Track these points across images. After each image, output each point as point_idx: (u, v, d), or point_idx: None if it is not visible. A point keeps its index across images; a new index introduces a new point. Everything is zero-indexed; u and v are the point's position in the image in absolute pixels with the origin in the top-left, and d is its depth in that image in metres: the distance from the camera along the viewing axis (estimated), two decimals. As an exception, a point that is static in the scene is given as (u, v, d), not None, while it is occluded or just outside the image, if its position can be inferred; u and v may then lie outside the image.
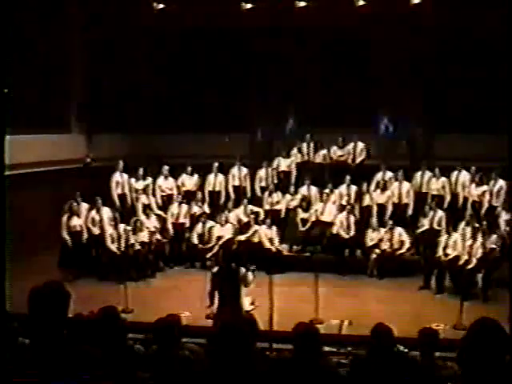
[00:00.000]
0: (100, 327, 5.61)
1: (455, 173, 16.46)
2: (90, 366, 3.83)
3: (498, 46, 17.61)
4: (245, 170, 17.52)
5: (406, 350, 7.18)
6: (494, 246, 13.86)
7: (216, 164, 17.36)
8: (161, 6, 18.30)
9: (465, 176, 16.37)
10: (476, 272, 13.52)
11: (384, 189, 16.41)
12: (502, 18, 16.64)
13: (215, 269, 11.28)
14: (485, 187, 15.96)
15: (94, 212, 15.50)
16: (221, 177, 17.40)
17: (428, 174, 16.63)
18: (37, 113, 16.69)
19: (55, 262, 14.83)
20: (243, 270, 10.95)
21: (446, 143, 17.79)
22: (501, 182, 15.82)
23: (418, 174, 16.73)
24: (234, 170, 17.51)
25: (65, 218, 15.11)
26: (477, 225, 14.23)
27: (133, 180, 16.86)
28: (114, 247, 15.06)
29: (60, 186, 16.58)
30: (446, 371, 5.74)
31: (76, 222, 15.19)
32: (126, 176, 16.80)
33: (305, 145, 17.97)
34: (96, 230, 15.37)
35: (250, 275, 10.97)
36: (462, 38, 18.17)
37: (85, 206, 15.61)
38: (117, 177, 16.71)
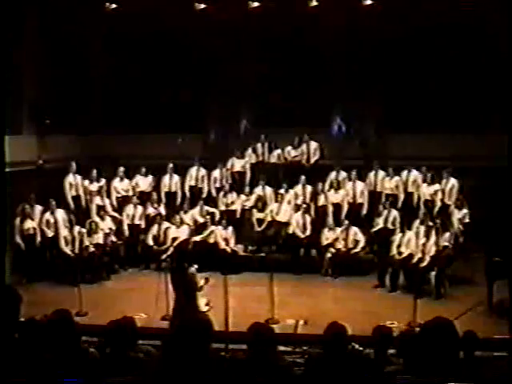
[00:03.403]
0: (53, 330, 5.55)
1: (406, 172, 16.59)
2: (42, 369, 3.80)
3: (450, 45, 17.87)
4: (203, 171, 17.45)
5: (360, 349, 7.23)
6: (446, 244, 14.05)
7: (171, 165, 17.30)
8: (113, 6, 18.15)
9: (417, 175, 16.54)
10: (429, 270, 13.68)
11: (338, 188, 16.52)
12: (456, 17, 16.96)
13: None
14: (437, 186, 16.15)
15: (48, 214, 15.38)
16: (176, 177, 17.33)
17: (381, 173, 16.78)
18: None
19: (8, 266, 14.63)
20: (193, 269, 10.93)
21: (398, 143, 17.93)
22: (452, 181, 16.03)
23: (372, 173, 16.86)
24: (192, 171, 17.46)
25: (18, 221, 14.94)
26: (430, 223, 14.41)
27: (86, 181, 16.73)
28: (68, 249, 14.94)
29: (12, 189, 16.32)
30: (399, 367, 5.81)
31: (29, 224, 15.04)
32: (79, 177, 16.67)
33: (259, 145, 17.98)
34: (50, 233, 15.26)
35: (200, 279, 10.92)
36: (413, 37, 18.32)
37: (38, 208, 15.47)
38: (70, 178, 16.58)
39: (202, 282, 10.90)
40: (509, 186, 12.60)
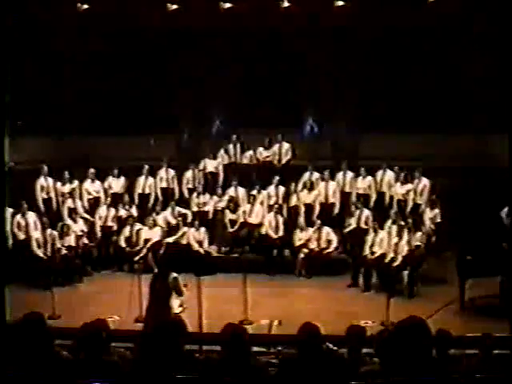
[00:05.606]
0: (25, 334, 5.50)
1: (380, 172, 16.68)
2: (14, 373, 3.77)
3: (424, 46, 18.00)
4: (172, 172, 17.41)
5: (334, 348, 7.25)
6: (418, 244, 14.14)
7: (146, 166, 17.20)
8: (85, 6, 18.03)
9: (390, 175, 16.61)
10: (402, 269, 13.76)
11: (311, 189, 16.53)
12: (429, 19, 17.07)
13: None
14: (409, 186, 16.23)
15: (19, 217, 15.26)
16: (151, 179, 17.25)
17: (350, 173, 16.82)
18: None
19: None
20: (175, 275, 10.88)
21: (370, 143, 18.01)
22: (424, 181, 16.13)
23: (340, 174, 16.89)
24: (162, 172, 17.40)
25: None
26: (402, 223, 14.50)
27: (58, 184, 16.62)
28: (40, 252, 14.83)
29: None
30: (371, 367, 5.83)
31: (0, 227, 14.89)
32: (50, 180, 16.55)
33: (231, 146, 17.97)
34: (21, 235, 15.14)
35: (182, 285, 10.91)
36: (385, 38, 18.40)
37: (9, 210, 15.33)
38: (41, 181, 16.47)
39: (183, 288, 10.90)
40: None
